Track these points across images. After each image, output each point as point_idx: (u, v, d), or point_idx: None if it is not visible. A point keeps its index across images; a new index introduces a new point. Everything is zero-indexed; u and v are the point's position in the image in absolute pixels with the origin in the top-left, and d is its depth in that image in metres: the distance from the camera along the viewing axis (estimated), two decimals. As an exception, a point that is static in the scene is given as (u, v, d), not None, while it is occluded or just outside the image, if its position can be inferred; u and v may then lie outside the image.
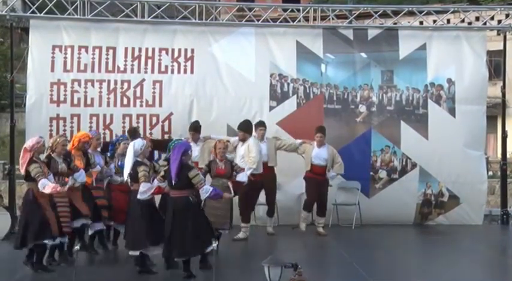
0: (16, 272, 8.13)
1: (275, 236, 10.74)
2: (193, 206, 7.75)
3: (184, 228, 7.59)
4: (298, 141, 11.14)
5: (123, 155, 9.41)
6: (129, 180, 8.05)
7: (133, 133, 10.57)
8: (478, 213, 12.17)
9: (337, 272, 8.61)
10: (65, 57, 11.56)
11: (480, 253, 9.94)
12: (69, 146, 8.79)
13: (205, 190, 7.71)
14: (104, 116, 11.49)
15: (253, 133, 10.63)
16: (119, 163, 9.38)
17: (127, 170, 7.97)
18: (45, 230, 7.90)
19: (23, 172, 7.98)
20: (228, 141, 10.02)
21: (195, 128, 10.68)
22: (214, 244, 7.44)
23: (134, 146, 7.99)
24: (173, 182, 7.63)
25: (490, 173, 17.29)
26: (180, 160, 7.61)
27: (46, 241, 7.96)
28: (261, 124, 10.97)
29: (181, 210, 7.65)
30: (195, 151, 10.30)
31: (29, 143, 8.06)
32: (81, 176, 8.55)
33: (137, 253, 7.91)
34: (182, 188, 7.67)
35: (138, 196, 7.83)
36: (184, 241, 7.56)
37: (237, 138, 10.54)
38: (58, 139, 8.39)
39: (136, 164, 7.90)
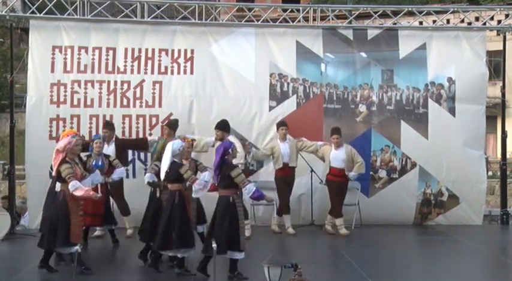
0: (16, 272, 8.14)
1: (275, 236, 10.75)
2: (233, 206, 7.72)
3: (221, 227, 7.64)
4: (319, 143, 11.21)
5: (99, 154, 9.42)
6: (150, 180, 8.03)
7: (108, 126, 10.63)
8: (477, 213, 12.18)
9: (337, 272, 8.62)
10: (65, 58, 11.56)
11: (480, 253, 9.94)
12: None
13: (249, 190, 7.73)
14: (104, 116, 11.46)
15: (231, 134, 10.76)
16: (93, 163, 9.41)
17: (164, 169, 7.93)
18: (67, 238, 7.80)
19: (54, 173, 7.86)
20: (193, 140, 10.04)
21: (171, 124, 10.76)
22: (214, 245, 7.43)
23: (173, 146, 7.97)
24: (215, 181, 7.71)
25: (490, 173, 17.31)
26: (220, 160, 7.66)
27: (64, 250, 7.94)
28: (283, 124, 11.14)
29: (221, 209, 7.71)
30: None
31: (60, 144, 7.92)
32: (97, 177, 8.49)
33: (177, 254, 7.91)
34: (225, 187, 7.74)
35: (194, 195, 7.94)
36: (223, 239, 7.58)
37: (212, 138, 10.58)
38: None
39: (176, 165, 7.89)
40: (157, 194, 8.30)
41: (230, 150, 7.89)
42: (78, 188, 7.73)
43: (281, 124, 11.17)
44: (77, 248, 7.64)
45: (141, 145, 11.01)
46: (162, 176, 8.02)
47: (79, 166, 8.06)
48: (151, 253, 8.81)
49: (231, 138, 10.53)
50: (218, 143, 10.52)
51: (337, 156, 10.94)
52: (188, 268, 8.00)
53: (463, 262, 9.30)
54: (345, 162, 10.91)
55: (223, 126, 10.64)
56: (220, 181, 7.76)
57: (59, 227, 7.81)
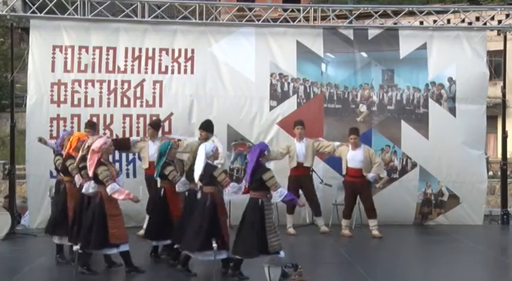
0: (16, 272, 8.13)
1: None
2: (261, 209, 7.67)
3: (248, 229, 7.62)
4: (337, 143, 11.14)
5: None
6: (199, 182, 8.00)
7: (90, 126, 10.59)
8: (478, 213, 12.18)
9: (337, 272, 8.61)
10: (65, 58, 11.56)
11: (480, 253, 9.94)
12: (66, 149, 8.65)
13: (280, 193, 7.67)
14: (104, 116, 11.49)
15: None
16: None
17: (198, 172, 7.87)
18: (105, 240, 7.78)
19: (91, 174, 7.82)
20: (179, 140, 10.00)
21: (154, 124, 10.72)
22: (215, 245, 7.43)
23: (206, 148, 7.93)
24: (247, 183, 7.72)
25: (490, 173, 17.29)
26: (255, 162, 7.66)
27: (103, 252, 7.91)
28: (300, 123, 11.09)
29: (249, 212, 7.70)
30: (152, 149, 10.40)
31: (96, 144, 7.86)
32: (122, 180, 8.36)
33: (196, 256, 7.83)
34: (256, 190, 7.71)
35: (228, 197, 7.97)
36: (249, 241, 7.57)
37: (195, 139, 10.56)
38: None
39: (210, 168, 7.85)
40: (199, 196, 8.28)
41: (266, 152, 7.87)
42: (118, 191, 7.72)
43: (297, 124, 11.10)
44: (77, 247, 7.61)
45: (123, 144, 10.90)
46: (196, 178, 7.95)
47: (112, 165, 8.10)
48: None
49: (215, 140, 10.43)
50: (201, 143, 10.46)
51: (354, 156, 10.82)
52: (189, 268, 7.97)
53: (463, 262, 9.29)
54: (362, 162, 10.77)
55: (206, 127, 10.49)
56: (251, 182, 7.72)
57: (95, 230, 7.77)
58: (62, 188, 8.73)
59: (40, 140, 10.46)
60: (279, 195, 7.66)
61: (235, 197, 8.04)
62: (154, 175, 8.66)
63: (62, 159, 8.67)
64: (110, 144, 8.06)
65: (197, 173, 7.91)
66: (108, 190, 7.71)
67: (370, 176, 10.82)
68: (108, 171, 7.76)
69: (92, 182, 7.89)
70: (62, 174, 8.76)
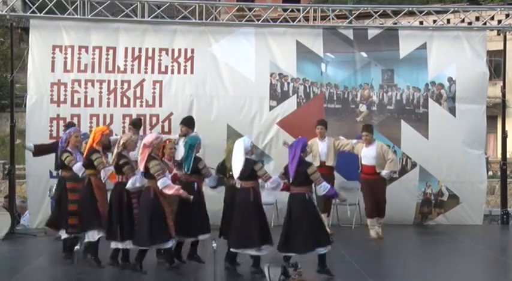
0: (16, 272, 8.13)
1: (275, 237, 10.73)
2: (310, 203, 7.67)
3: (300, 225, 7.57)
4: (354, 141, 11.10)
5: (77, 147, 8.94)
6: (238, 179, 7.93)
7: (71, 126, 10.46)
8: (477, 213, 12.18)
9: (337, 272, 8.57)
10: (65, 58, 11.57)
11: (480, 253, 9.94)
12: (89, 142, 8.57)
13: (323, 187, 7.69)
14: (104, 116, 11.50)
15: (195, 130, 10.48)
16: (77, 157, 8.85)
17: (238, 168, 7.79)
18: (165, 234, 7.79)
19: (141, 168, 7.82)
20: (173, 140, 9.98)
21: (134, 123, 10.68)
22: (214, 244, 7.41)
23: (244, 143, 7.87)
24: (291, 179, 7.65)
25: (490, 173, 17.28)
26: (299, 157, 7.63)
27: (167, 246, 7.88)
28: (321, 123, 11.09)
29: (297, 207, 7.64)
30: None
31: (148, 138, 7.93)
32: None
33: (249, 251, 7.78)
34: (299, 185, 7.66)
35: (265, 193, 7.98)
36: (299, 238, 7.52)
37: (176, 135, 10.49)
38: (133, 137, 8.26)
39: (250, 163, 7.80)
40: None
41: (306, 148, 7.88)
42: (168, 186, 7.73)
43: (318, 123, 11.09)
44: (77, 247, 7.60)
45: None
46: (236, 174, 7.84)
47: (163, 161, 8.11)
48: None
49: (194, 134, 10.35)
50: (182, 139, 10.41)
51: (367, 153, 10.76)
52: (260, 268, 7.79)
53: (463, 262, 9.29)
54: (375, 159, 10.70)
55: (187, 122, 10.41)
56: (295, 178, 7.65)
57: (156, 224, 7.74)
58: (86, 183, 8.50)
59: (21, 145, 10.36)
60: (323, 189, 7.68)
61: (272, 193, 7.97)
62: (185, 170, 8.35)
63: (86, 153, 8.49)
64: (161, 140, 8.11)
65: (237, 169, 7.81)
66: (159, 183, 7.70)
67: (384, 173, 10.73)
68: (159, 165, 7.79)
69: (139, 176, 7.89)
70: (84, 167, 8.51)
